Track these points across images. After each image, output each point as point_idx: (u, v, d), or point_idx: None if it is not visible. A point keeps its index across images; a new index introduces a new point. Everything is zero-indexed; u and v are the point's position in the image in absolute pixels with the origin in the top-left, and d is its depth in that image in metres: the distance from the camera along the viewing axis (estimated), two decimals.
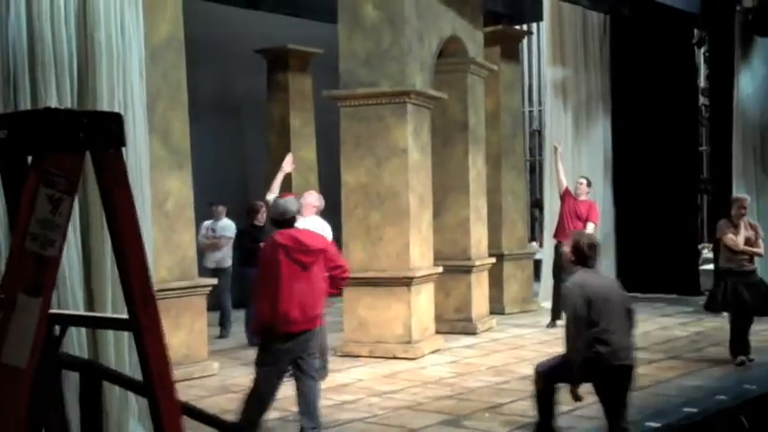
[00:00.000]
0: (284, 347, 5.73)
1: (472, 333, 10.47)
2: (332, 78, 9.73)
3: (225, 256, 10.69)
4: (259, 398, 5.80)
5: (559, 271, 11.11)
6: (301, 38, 13.45)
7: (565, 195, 11.22)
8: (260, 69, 13.66)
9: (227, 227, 10.81)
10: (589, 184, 11.21)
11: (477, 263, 10.70)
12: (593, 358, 5.47)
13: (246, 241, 9.99)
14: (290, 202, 5.99)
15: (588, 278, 5.63)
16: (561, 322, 10.97)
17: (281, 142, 13.22)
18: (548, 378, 5.79)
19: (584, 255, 5.70)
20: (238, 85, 13.84)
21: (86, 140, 2.61)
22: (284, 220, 5.88)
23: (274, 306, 5.66)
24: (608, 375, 5.54)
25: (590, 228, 10.80)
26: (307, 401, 5.90)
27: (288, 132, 13.47)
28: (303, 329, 5.73)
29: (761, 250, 8.56)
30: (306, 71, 13.79)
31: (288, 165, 8.26)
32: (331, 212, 8.76)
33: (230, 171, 13.37)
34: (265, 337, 5.83)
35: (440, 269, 9.83)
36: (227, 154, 13.50)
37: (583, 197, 11.06)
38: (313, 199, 8.28)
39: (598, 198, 12.65)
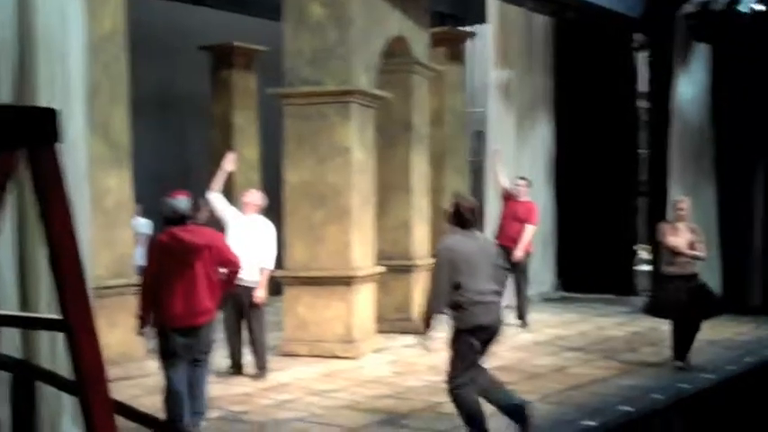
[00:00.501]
0: (176, 342, 5.99)
1: (412, 332, 10.49)
2: (276, 76, 9.70)
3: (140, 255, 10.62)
4: (172, 395, 6.03)
5: None
6: (246, 35, 13.36)
7: (505, 197, 11.34)
8: (204, 66, 13.55)
9: (142, 224, 10.80)
10: (528, 184, 11.33)
11: (419, 263, 10.74)
12: (470, 319, 5.74)
13: None
14: (179, 201, 6.09)
15: (460, 241, 5.86)
16: None
17: (223, 140, 13.12)
18: (462, 374, 5.87)
19: (463, 218, 5.92)
20: (181, 82, 13.70)
21: (19, 137, 2.57)
22: (173, 218, 6.03)
23: (159, 303, 5.95)
24: (484, 333, 5.81)
25: (529, 229, 10.94)
26: (197, 388, 6.20)
27: (231, 130, 13.38)
28: (192, 324, 5.99)
29: (701, 253, 8.56)
30: (250, 69, 13.70)
31: (229, 163, 8.24)
32: (273, 211, 8.74)
33: (172, 168, 13.24)
34: (159, 336, 6.10)
35: (381, 269, 9.85)
36: (169, 151, 13.36)
37: (522, 198, 11.18)
38: (254, 198, 8.27)
39: (539, 199, 12.78)
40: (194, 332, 6.05)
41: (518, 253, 10.83)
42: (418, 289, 10.82)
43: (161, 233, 6.11)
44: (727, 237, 12.34)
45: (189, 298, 5.94)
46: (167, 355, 6.05)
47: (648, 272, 13.13)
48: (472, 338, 5.79)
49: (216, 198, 8.15)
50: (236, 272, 6.34)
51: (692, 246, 8.47)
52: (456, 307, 5.80)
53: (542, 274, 13.72)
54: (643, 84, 14.20)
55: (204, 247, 6.01)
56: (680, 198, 9.23)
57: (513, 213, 11.04)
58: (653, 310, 8.93)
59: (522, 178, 11.41)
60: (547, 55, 14.21)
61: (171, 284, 5.91)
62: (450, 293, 5.76)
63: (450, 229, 6.03)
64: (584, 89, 13.93)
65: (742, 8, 11.54)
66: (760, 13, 11.55)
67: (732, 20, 11.71)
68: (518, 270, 11.02)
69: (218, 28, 13.14)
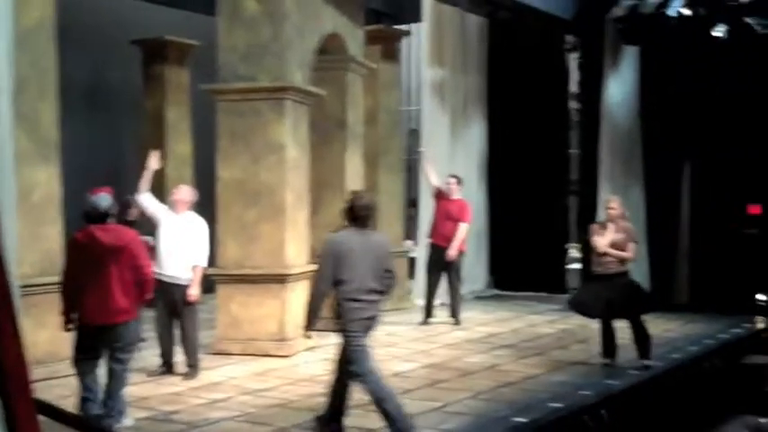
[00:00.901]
0: (89, 339, 6.03)
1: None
2: (210, 72, 9.59)
3: None
4: (85, 393, 6.07)
5: (433, 269, 11.31)
6: (180, 29, 13.19)
7: (437, 196, 11.40)
8: (136, 60, 13.34)
9: None
10: (459, 182, 11.39)
11: None
12: (349, 315, 5.93)
13: None
14: (101, 198, 6.05)
15: (348, 237, 5.97)
16: (434, 320, 11.21)
17: (155, 135, 12.93)
18: (362, 364, 6.05)
19: (355, 215, 6.02)
20: (113, 76, 13.45)
21: None
22: (93, 216, 5.99)
23: (74, 300, 5.99)
24: (363, 323, 6.00)
25: (462, 228, 11.01)
26: (112, 387, 6.16)
27: (163, 125, 13.20)
28: (107, 322, 5.99)
29: (627, 254, 8.43)
30: (183, 64, 13.53)
31: (154, 162, 8.11)
32: (206, 208, 8.65)
33: (103, 164, 13.00)
34: (77, 333, 6.13)
35: (315, 266, 9.79)
36: (100, 147, 13.11)
37: (454, 196, 11.23)
38: (184, 194, 8.14)
39: (472, 198, 12.88)
40: (110, 330, 6.03)
41: (451, 252, 10.90)
42: None
43: (79, 230, 6.06)
44: (654, 235, 12.61)
45: (103, 297, 5.93)
46: (82, 352, 6.09)
47: (579, 270, 13.33)
48: (357, 330, 5.95)
49: (145, 198, 8.05)
50: (143, 279, 6.17)
51: (617, 246, 8.43)
52: (337, 302, 5.95)
53: (475, 272, 13.83)
54: (574, 84, 14.43)
55: (120, 249, 5.97)
56: (611, 198, 9.30)
57: (446, 212, 11.10)
58: (576, 306, 9.03)
59: (453, 176, 11.46)
60: (481, 54, 14.34)
61: (85, 283, 5.92)
62: (333, 289, 5.90)
63: (345, 224, 6.12)
64: (517, 89, 14.11)
65: (670, 12, 11.80)
66: (687, 17, 11.82)
67: (660, 24, 11.97)
68: (451, 269, 11.10)
69: (150, 21, 12.93)
